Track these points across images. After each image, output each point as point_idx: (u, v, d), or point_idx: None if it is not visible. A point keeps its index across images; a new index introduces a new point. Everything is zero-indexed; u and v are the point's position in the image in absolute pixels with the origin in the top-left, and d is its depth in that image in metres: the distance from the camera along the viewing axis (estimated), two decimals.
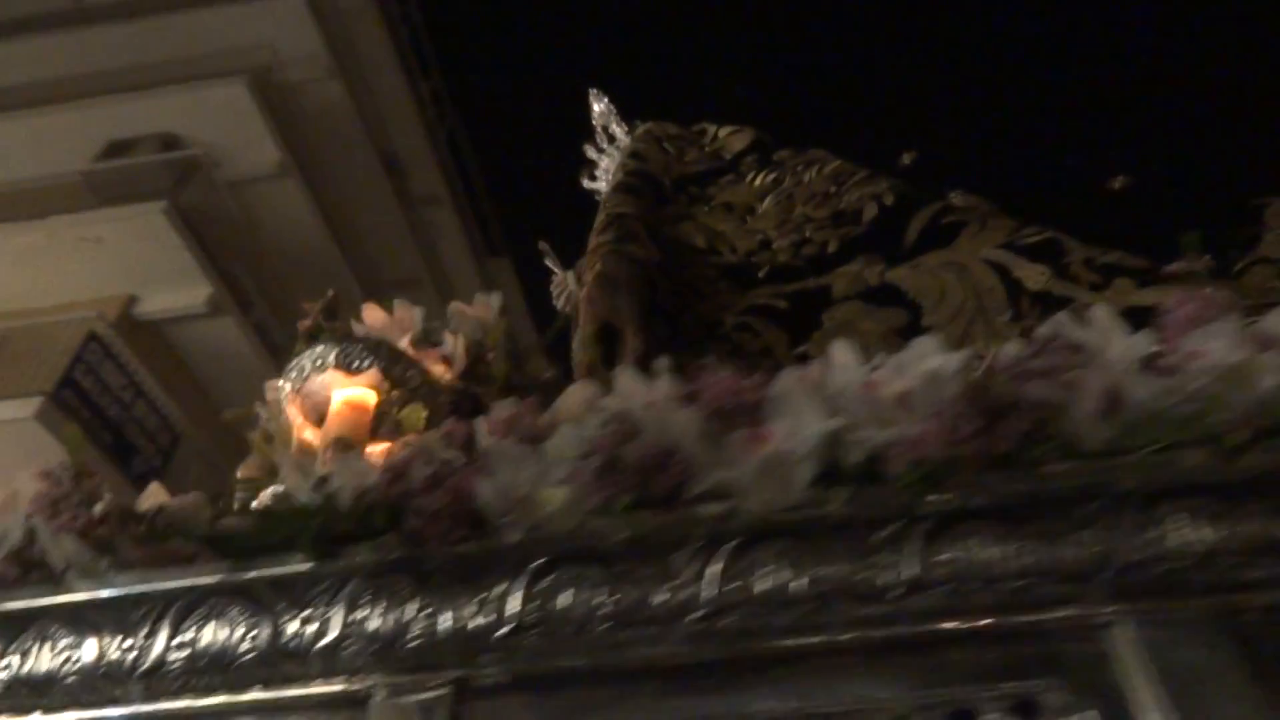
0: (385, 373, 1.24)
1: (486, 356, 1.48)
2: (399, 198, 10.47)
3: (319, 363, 1.24)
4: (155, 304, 9.17)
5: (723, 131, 2.41)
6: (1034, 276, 1.57)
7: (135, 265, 8.85)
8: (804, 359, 1.60)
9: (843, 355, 1.00)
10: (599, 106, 2.86)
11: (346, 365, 1.22)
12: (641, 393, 0.98)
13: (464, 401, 1.33)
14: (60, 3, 8.99)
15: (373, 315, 1.51)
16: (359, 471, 0.93)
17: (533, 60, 10.21)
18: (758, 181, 2.16)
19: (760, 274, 1.88)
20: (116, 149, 9.16)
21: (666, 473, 0.89)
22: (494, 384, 1.44)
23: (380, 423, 1.25)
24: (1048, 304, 1.54)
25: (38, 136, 8.71)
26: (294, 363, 1.28)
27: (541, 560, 0.89)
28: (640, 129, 2.55)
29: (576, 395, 1.11)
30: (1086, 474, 0.85)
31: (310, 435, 1.23)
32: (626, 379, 1.03)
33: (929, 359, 0.93)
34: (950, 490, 0.84)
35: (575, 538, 0.89)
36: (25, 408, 7.50)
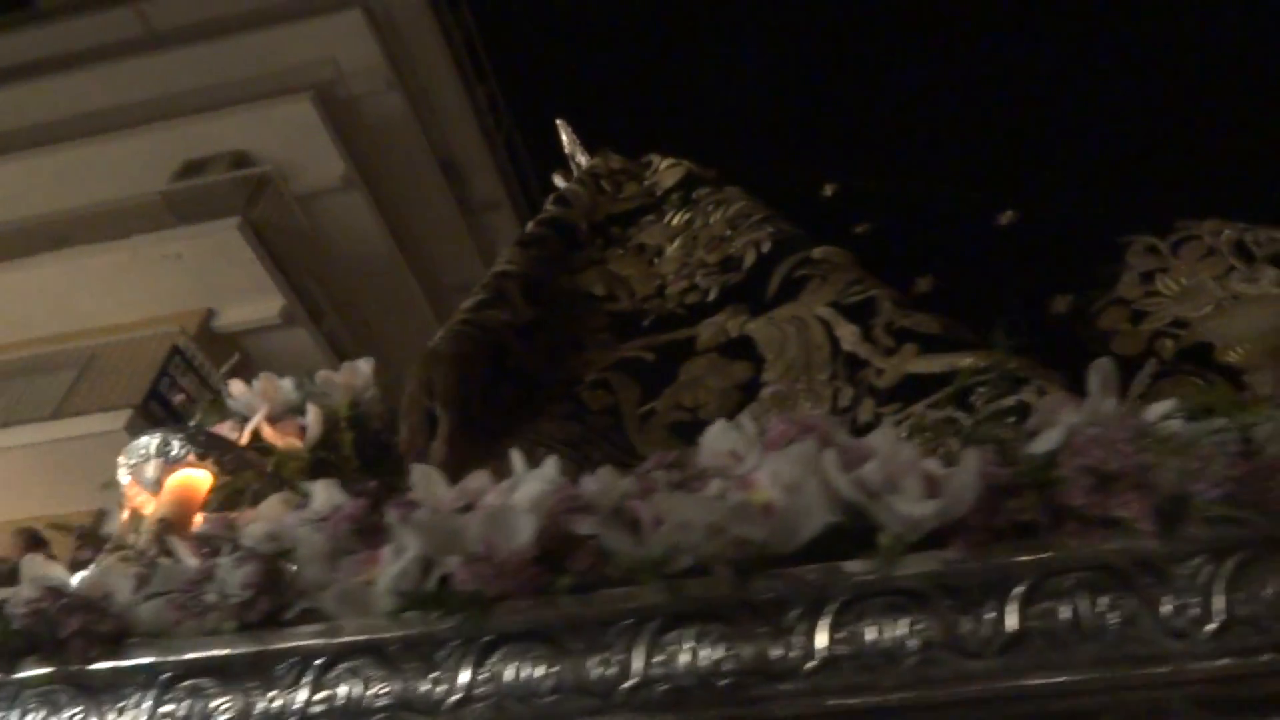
0: (202, 460, 1.29)
1: (340, 428, 1.51)
2: (459, 204, 10.65)
3: (144, 452, 1.29)
4: (232, 317, 9.53)
5: (663, 164, 2.38)
6: (848, 337, 1.55)
7: (212, 280, 9.23)
8: (650, 415, 1.60)
9: (429, 482, 1.03)
10: (566, 136, 2.87)
11: (165, 454, 1.28)
12: (280, 514, 1.03)
13: (322, 473, 1.36)
14: (133, 30, 9.44)
15: (237, 388, 1.57)
16: (46, 583, 0.98)
17: (585, 61, 10.24)
18: (674, 221, 2.14)
19: (646, 322, 1.87)
20: (191, 168, 9.58)
21: (268, 596, 0.95)
22: (346, 457, 1.47)
23: (223, 502, 1.30)
24: (853, 365, 1.52)
25: (117, 160, 9.17)
26: (132, 446, 1.34)
27: (168, 674, 0.97)
28: (586, 165, 2.54)
29: (273, 505, 1.14)
30: (614, 600, 0.90)
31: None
32: (318, 488, 1.06)
33: (523, 486, 0.98)
34: (502, 614, 0.91)
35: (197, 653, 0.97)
36: (117, 420, 7.88)
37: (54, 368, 8.57)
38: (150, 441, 1.28)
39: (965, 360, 1.36)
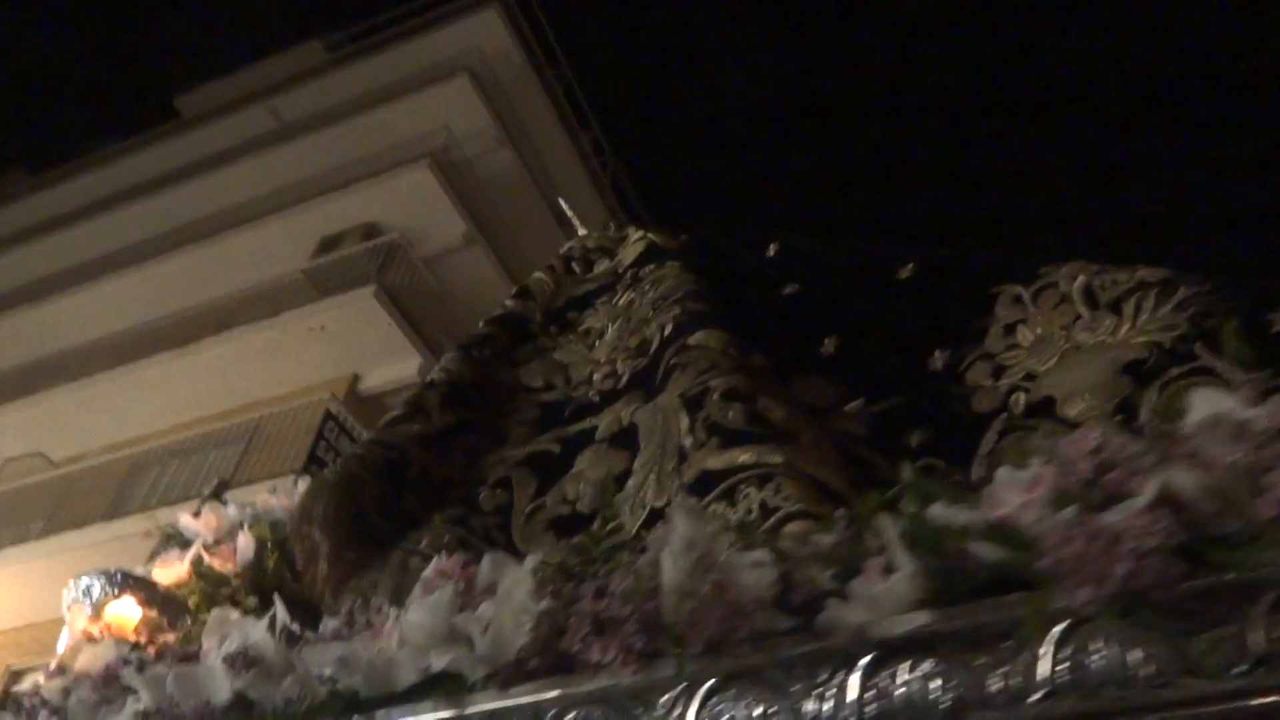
0: (119, 597, 1.49)
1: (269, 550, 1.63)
2: None
3: (81, 589, 1.52)
4: (376, 380, 10.02)
5: (633, 237, 2.36)
6: (684, 429, 1.54)
7: (355, 346, 9.77)
8: (537, 511, 1.64)
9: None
10: (569, 211, 3.00)
11: (88, 596, 1.48)
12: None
13: (257, 594, 1.54)
14: (266, 125, 10.22)
15: (186, 520, 1.75)
16: None
17: (682, 100, 10.42)
18: (620, 302, 2.13)
19: (567, 412, 1.87)
20: (327, 244, 10.23)
21: None
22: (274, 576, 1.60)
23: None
24: (681, 458, 1.51)
25: (262, 244, 9.90)
26: (72, 583, 1.55)
27: None
28: (566, 245, 2.58)
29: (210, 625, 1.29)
30: None
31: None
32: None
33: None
34: None
35: None
36: (285, 485, 8.43)
37: (224, 442, 9.25)
38: (86, 582, 1.51)
39: (742, 456, 1.38)
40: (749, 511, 1.29)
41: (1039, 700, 0.86)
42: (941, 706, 0.89)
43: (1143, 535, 0.85)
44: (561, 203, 2.98)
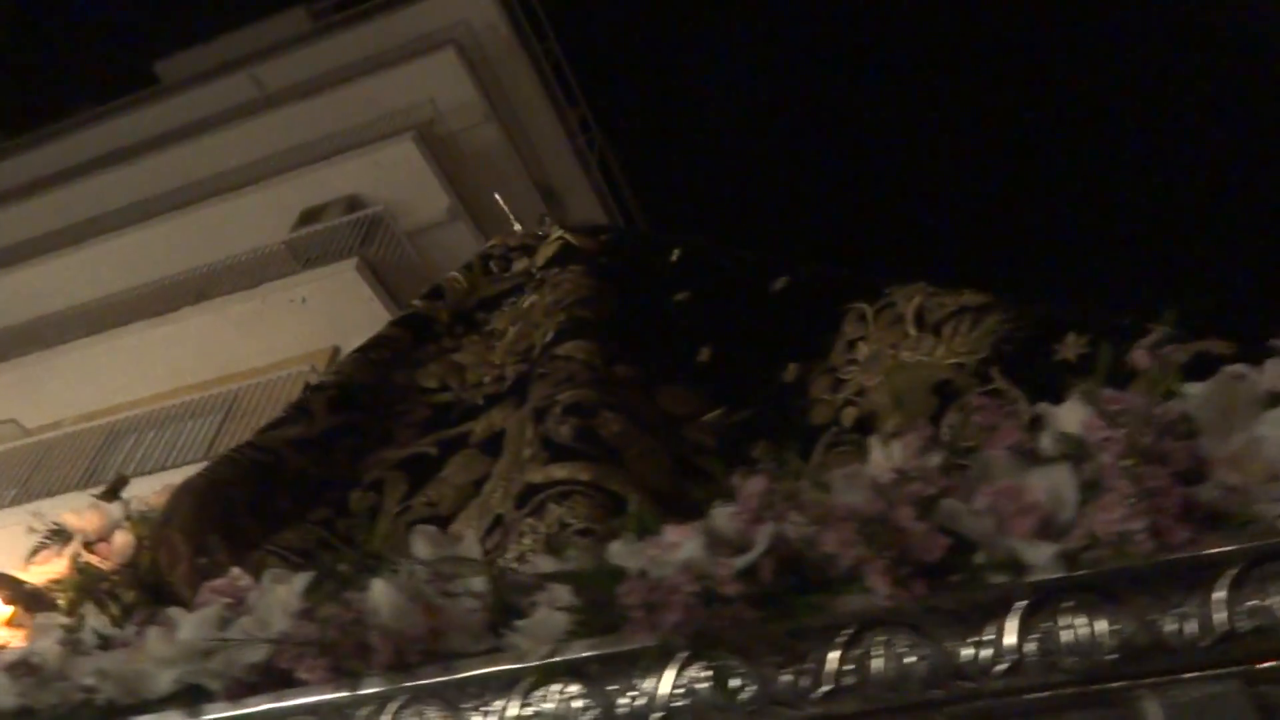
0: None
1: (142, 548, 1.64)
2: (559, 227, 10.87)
3: None
4: None
5: (554, 235, 2.36)
6: (527, 441, 1.58)
7: (335, 319, 9.70)
8: (404, 512, 1.65)
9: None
10: (506, 208, 3.03)
11: None
12: None
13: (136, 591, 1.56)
14: (248, 93, 10.11)
15: (67, 517, 1.75)
16: None
17: (673, 77, 10.37)
18: (525, 304, 2.12)
19: (454, 414, 1.87)
20: (309, 216, 10.15)
21: None
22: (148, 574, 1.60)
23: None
24: (523, 469, 1.55)
25: (243, 215, 9.81)
26: None
27: None
28: (489, 244, 2.57)
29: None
30: None
31: None
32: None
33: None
34: None
35: None
36: None
37: (202, 412, 9.22)
38: None
39: (559, 472, 1.44)
40: (551, 526, 1.38)
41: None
42: None
43: (687, 585, 1.00)
44: (497, 197, 2.98)
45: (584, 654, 1.08)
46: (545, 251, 2.30)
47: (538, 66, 10.37)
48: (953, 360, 1.47)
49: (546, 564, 1.19)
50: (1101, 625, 0.94)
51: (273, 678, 1.19)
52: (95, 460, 8.79)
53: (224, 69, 10.07)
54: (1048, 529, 0.98)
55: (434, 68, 10.00)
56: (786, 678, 1.00)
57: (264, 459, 1.77)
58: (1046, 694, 0.96)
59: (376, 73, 10.07)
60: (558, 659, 1.08)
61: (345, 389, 1.97)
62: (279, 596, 1.23)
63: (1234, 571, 0.91)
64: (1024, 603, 0.96)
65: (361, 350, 2.14)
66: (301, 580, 1.25)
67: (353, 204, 10.13)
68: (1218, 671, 0.91)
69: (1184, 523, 0.92)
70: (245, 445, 1.84)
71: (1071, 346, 1.25)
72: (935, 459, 1.05)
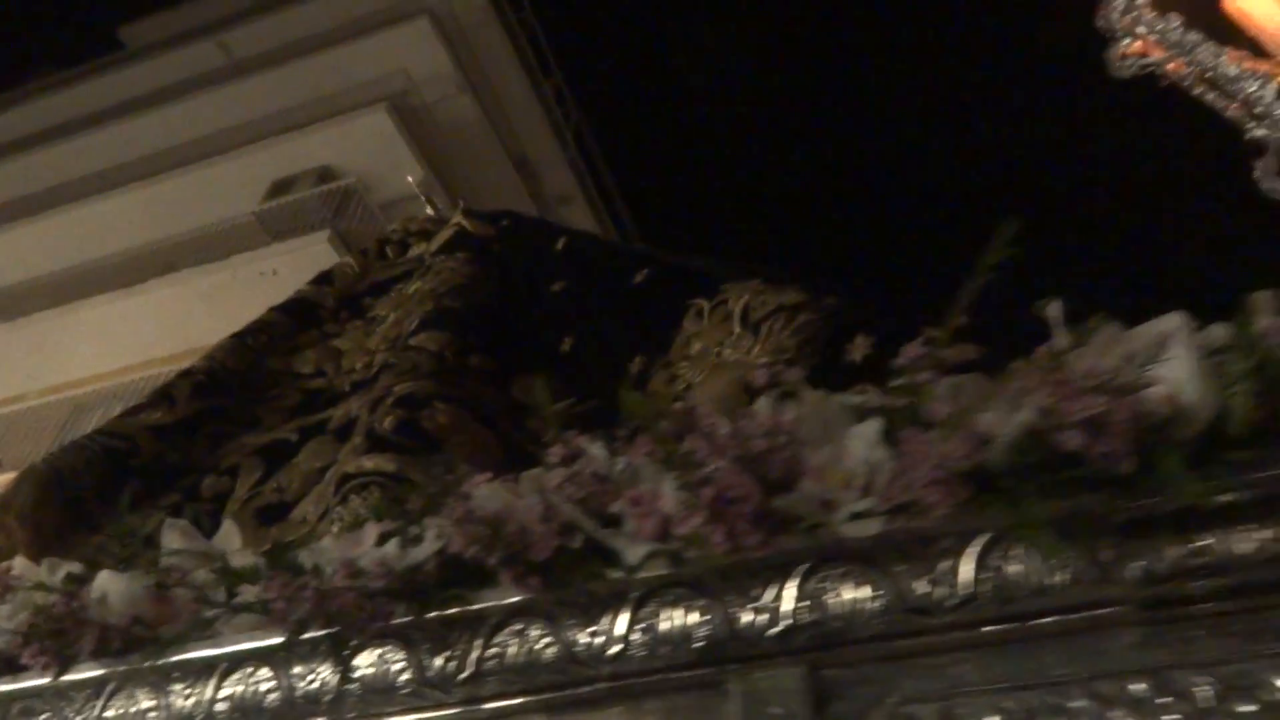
0: None
1: None
2: (534, 200, 10.80)
3: None
4: None
5: (452, 220, 2.36)
6: (358, 435, 1.61)
7: None
8: (254, 498, 1.67)
9: None
10: (415, 183, 3.03)
11: None
12: None
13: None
14: (216, 60, 9.88)
15: None
16: None
17: (650, 49, 10.26)
18: (411, 290, 2.11)
19: (322, 400, 1.88)
20: (280, 187, 9.98)
21: None
22: None
23: None
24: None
25: (211, 185, 9.65)
26: None
27: None
28: (389, 228, 2.59)
29: None
30: None
31: None
32: None
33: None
34: None
35: None
36: None
37: None
38: None
39: (369, 463, 1.49)
40: (351, 516, 1.46)
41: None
42: (269, 704, 1.23)
43: (342, 581, 1.14)
44: (409, 179, 3.00)
45: (271, 641, 1.21)
46: (441, 237, 2.29)
47: (513, 37, 10.22)
48: (765, 359, 1.50)
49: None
50: (694, 617, 1.07)
51: (8, 664, 1.32)
52: (60, 435, 8.64)
53: (191, 35, 9.84)
54: (663, 530, 1.08)
55: (407, 37, 9.83)
56: (438, 663, 1.15)
57: (116, 445, 1.77)
58: (653, 678, 1.08)
59: (348, 42, 9.88)
60: (248, 647, 1.23)
61: (213, 375, 1.99)
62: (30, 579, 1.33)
63: (803, 569, 1.03)
64: (636, 595, 1.09)
65: (239, 336, 2.17)
66: (49, 569, 1.32)
67: (324, 175, 9.95)
68: (786, 659, 1.03)
69: (757, 527, 1.03)
70: (97, 432, 1.85)
71: (859, 348, 1.31)
72: (596, 463, 1.16)
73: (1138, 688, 0.89)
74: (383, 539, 1.20)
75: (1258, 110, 1.69)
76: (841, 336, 1.49)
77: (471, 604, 1.14)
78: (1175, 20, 1.81)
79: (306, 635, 1.19)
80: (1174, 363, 0.94)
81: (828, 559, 1.03)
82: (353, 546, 1.20)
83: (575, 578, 1.10)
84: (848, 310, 1.56)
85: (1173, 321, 0.98)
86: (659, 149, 10.80)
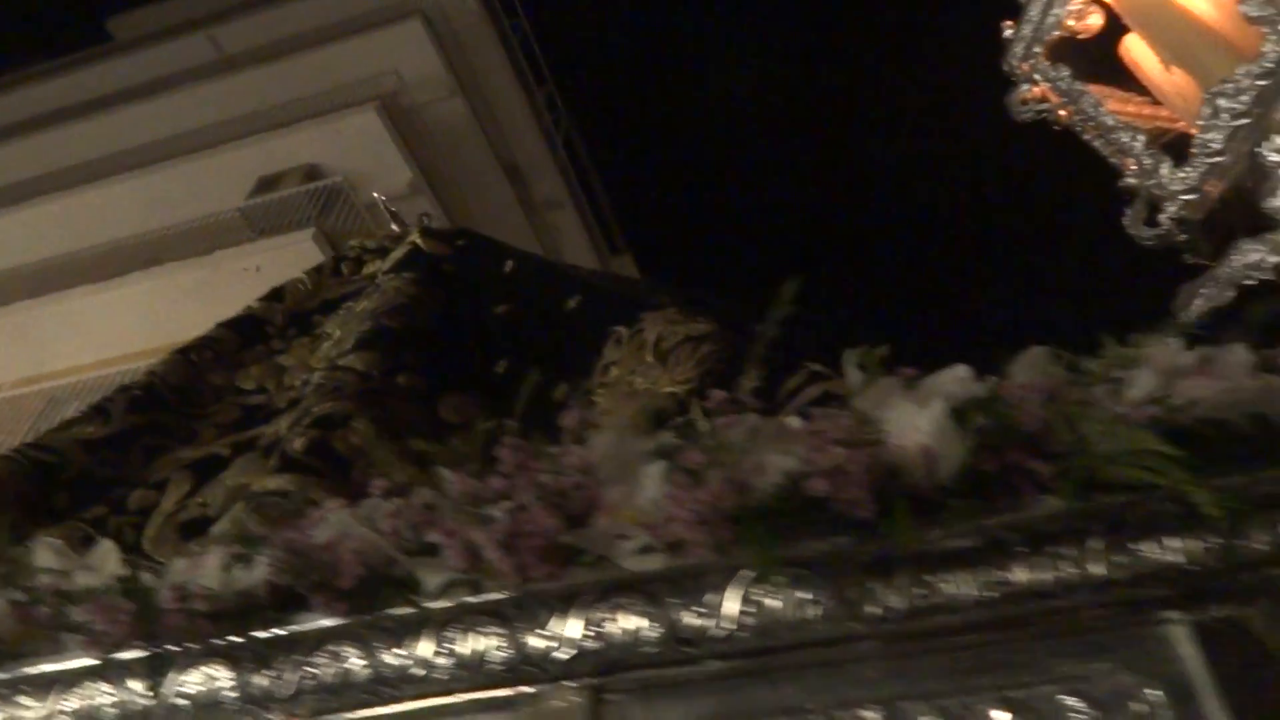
0: None
1: None
2: (522, 205, 10.79)
3: None
4: None
5: (410, 237, 2.35)
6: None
7: None
8: (180, 511, 1.67)
9: None
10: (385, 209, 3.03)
11: None
12: None
13: None
14: (206, 55, 9.82)
15: None
16: None
17: (642, 59, 10.27)
18: (359, 308, 2.10)
19: (261, 417, 1.87)
20: (266, 184, 9.93)
21: None
22: None
23: None
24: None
25: (197, 180, 9.58)
26: None
27: None
28: (348, 244, 2.56)
29: None
30: None
31: None
32: None
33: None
34: None
35: None
36: None
37: None
38: None
39: (272, 482, 1.52)
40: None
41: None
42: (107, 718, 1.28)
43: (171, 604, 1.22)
44: (375, 195, 2.99)
45: (122, 656, 1.26)
46: (395, 255, 2.26)
47: (506, 42, 10.22)
48: (669, 389, 1.55)
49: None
50: (491, 641, 1.14)
51: None
52: (34, 426, 8.55)
53: (180, 28, 9.78)
54: (473, 560, 1.16)
55: (399, 38, 9.81)
56: (261, 682, 1.21)
57: (45, 458, 1.78)
58: (462, 699, 1.15)
59: (340, 40, 9.85)
60: (88, 664, 1.27)
61: (151, 389, 1.96)
62: None
63: (588, 599, 1.11)
64: (439, 621, 1.17)
65: (183, 351, 2.15)
66: None
67: (311, 173, 9.92)
68: (573, 683, 1.11)
69: (546, 560, 1.12)
70: (27, 444, 1.85)
71: (749, 379, 1.35)
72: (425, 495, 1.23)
73: (870, 715, 0.98)
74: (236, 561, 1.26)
75: (1129, 160, 1.73)
76: (740, 367, 1.54)
77: (292, 626, 1.21)
78: (1065, 70, 1.85)
79: (143, 654, 1.26)
80: (923, 415, 1.01)
81: (610, 591, 1.11)
82: (193, 569, 1.26)
83: (380, 604, 1.18)
84: (747, 341, 1.60)
85: (958, 374, 1.06)
86: (648, 157, 10.79)
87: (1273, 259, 1.44)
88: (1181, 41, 1.76)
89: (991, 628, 0.99)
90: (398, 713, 1.18)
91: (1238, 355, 0.98)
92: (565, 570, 1.13)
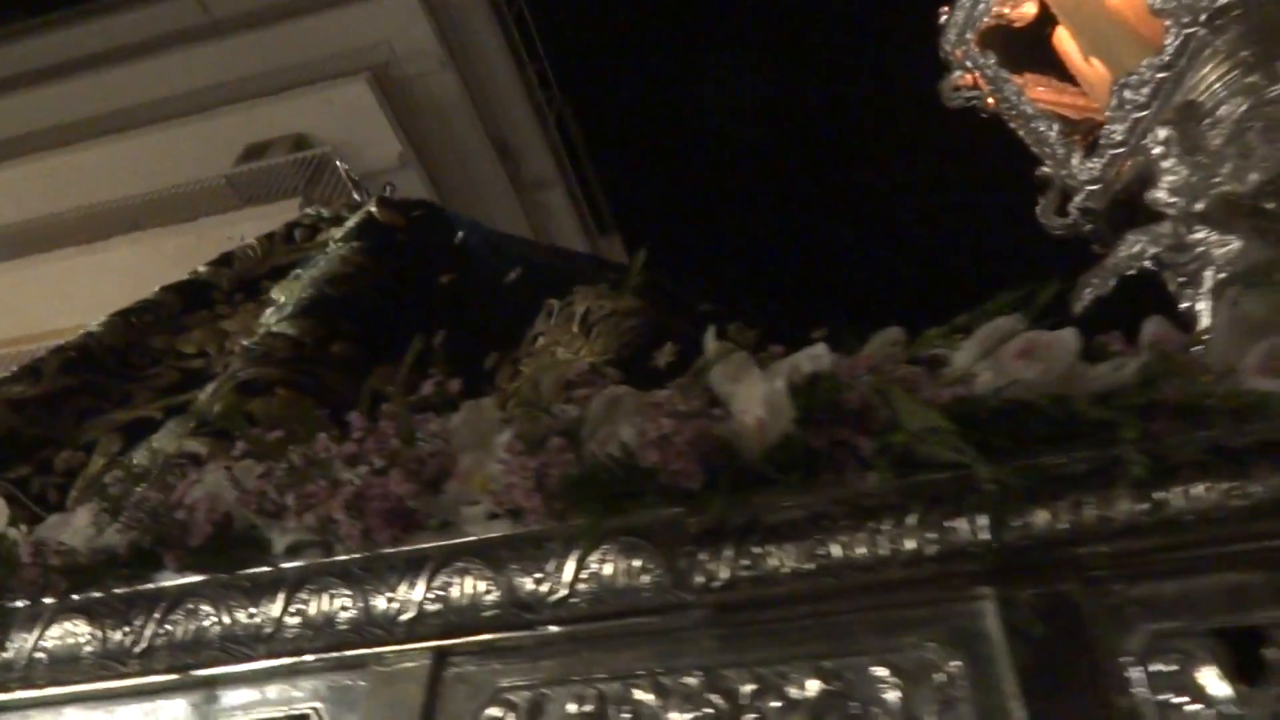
0: None
1: None
2: (512, 182, 10.74)
3: None
4: None
5: (368, 206, 2.35)
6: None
7: None
8: (107, 472, 1.66)
9: None
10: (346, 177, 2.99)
11: None
12: None
13: None
14: (195, 18, 9.75)
15: None
16: None
17: (634, 36, 10.21)
18: (308, 275, 2.09)
19: (198, 381, 1.88)
20: (253, 152, 9.87)
21: None
22: None
23: None
24: None
25: (183, 146, 9.52)
26: None
27: None
28: (302, 211, 2.55)
29: None
30: None
31: None
32: None
33: None
34: None
35: None
36: None
37: None
38: None
39: (190, 444, 1.58)
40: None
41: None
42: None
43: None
44: (339, 164, 2.97)
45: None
46: (349, 224, 2.26)
47: (499, 17, 10.15)
48: (589, 359, 1.57)
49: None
50: (339, 603, 1.16)
51: None
52: None
53: None
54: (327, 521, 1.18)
55: (392, 8, 9.71)
56: (117, 637, 1.24)
57: None
58: (311, 659, 1.17)
59: (332, 8, 9.76)
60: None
61: (85, 350, 1.96)
62: None
63: (432, 564, 1.14)
64: (290, 581, 1.19)
65: (122, 313, 2.12)
66: None
67: (299, 143, 9.86)
68: (415, 646, 1.14)
69: (391, 524, 1.14)
70: None
71: (666, 355, 1.35)
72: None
73: (691, 681, 1.01)
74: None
75: (1045, 149, 1.74)
76: (657, 342, 1.55)
77: (150, 583, 1.25)
78: (992, 57, 1.85)
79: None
80: (756, 390, 1.04)
81: (454, 555, 1.13)
82: (60, 528, 1.28)
83: (231, 562, 1.22)
84: (666, 317, 1.62)
85: (814, 352, 1.09)
86: (640, 137, 10.75)
87: (1153, 250, 1.46)
88: (1098, 32, 1.76)
89: (811, 599, 1.01)
90: (250, 670, 1.20)
91: (1063, 340, 0.99)
92: (412, 535, 1.15)
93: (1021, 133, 1.97)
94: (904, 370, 1.01)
